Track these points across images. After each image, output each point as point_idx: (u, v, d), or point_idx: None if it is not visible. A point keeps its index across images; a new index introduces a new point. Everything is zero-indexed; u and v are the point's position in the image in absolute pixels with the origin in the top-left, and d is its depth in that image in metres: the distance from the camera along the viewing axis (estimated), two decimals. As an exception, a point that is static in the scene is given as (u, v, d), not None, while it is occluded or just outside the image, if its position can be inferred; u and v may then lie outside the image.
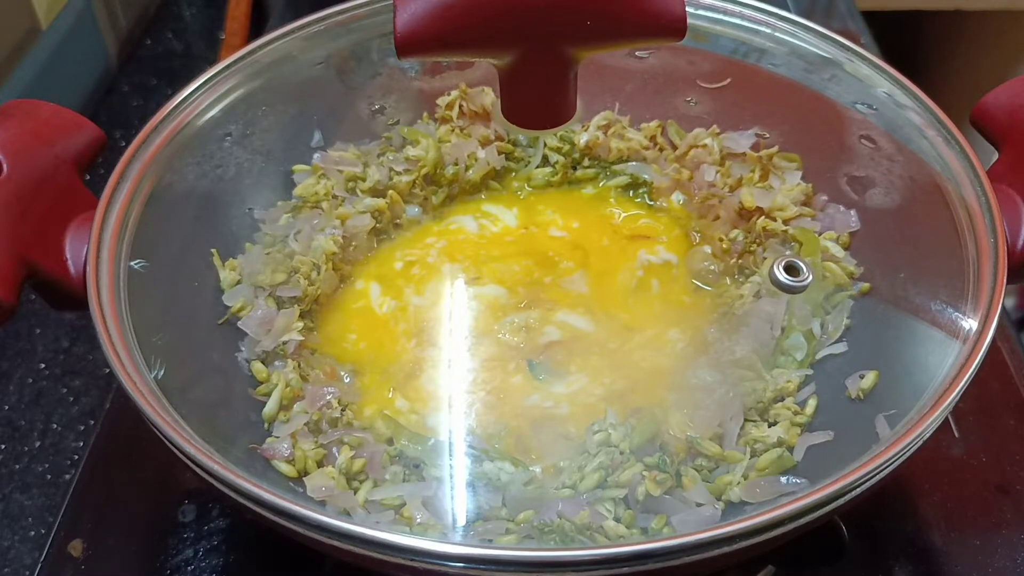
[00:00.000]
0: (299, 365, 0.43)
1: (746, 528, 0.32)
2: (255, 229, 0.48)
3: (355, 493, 0.39)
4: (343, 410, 0.42)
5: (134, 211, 0.42)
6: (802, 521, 0.33)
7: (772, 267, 0.42)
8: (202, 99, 0.47)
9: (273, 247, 0.47)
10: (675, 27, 0.36)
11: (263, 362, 0.43)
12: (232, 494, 0.34)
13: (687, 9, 0.36)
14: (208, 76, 0.47)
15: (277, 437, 0.41)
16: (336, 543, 0.32)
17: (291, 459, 0.40)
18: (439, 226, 0.50)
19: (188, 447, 0.34)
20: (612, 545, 0.35)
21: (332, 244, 0.47)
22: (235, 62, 0.48)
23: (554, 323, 0.45)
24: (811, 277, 0.41)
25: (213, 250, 0.46)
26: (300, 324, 0.44)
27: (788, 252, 0.46)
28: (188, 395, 0.39)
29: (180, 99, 0.46)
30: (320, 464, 0.40)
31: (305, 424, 0.41)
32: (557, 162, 0.52)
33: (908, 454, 0.34)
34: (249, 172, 0.49)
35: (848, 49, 0.48)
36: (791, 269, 0.42)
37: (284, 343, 0.44)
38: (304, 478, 0.39)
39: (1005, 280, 0.38)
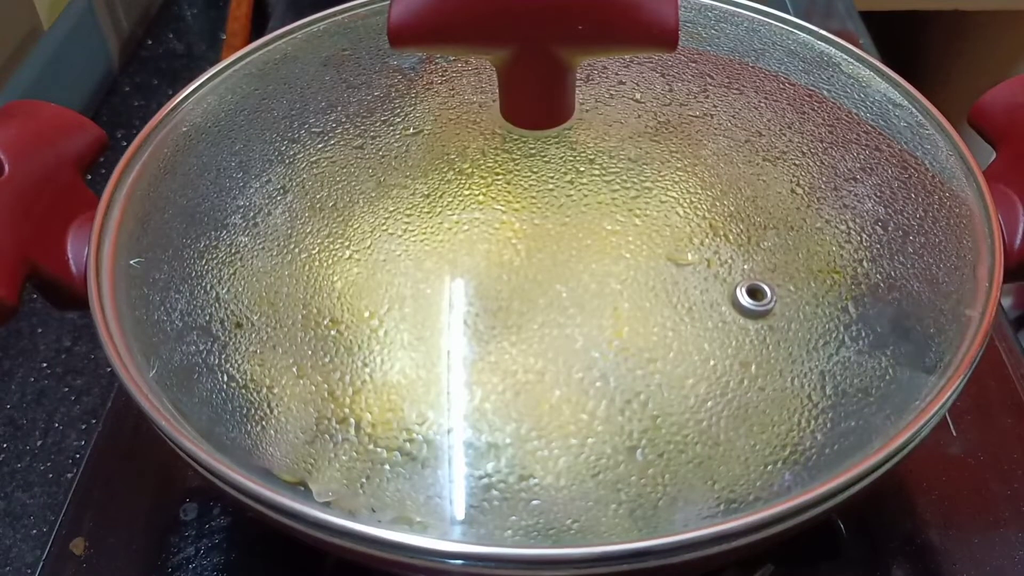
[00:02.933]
0: (300, 364, 0.43)
1: (745, 526, 0.32)
2: (256, 229, 0.48)
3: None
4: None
5: (134, 211, 0.42)
6: (800, 519, 0.33)
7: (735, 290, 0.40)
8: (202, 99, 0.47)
9: (274, 247, 0.47)
10: (666, 38, 0.36)
11: (264, 361, 0.43)
12: (234, 492, 0.34)
13: (685, 9, 0.36)
14: (208, 76, 0.47)
15: (278, 436, 0.41)
16: (338, 541, 0.33)
17: (292, 458, 0.40)
18: (439, 226, 0.50)
19: (189, 445, 0.34)
20: (611, 543, 0.35)
21: (333, 244, 0.47)
22: (235, 62, 0.48)
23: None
24: (775, 301, 0.39)
25: (214, 250, 0.46)
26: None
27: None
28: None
29: (181, 99, 0.46)
30: (321, 463, 0.40)
31: (306, 423, 0.41)
32: (557, 162, 0.52)
33: (906, 452, 0.35)
34: (250, 172, 0.49)
35: (846, 50, 0.48)
36: (754, 293, 0.40)
37: (285, 342, 0.44)
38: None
39: (1002, 279, 0.39)
